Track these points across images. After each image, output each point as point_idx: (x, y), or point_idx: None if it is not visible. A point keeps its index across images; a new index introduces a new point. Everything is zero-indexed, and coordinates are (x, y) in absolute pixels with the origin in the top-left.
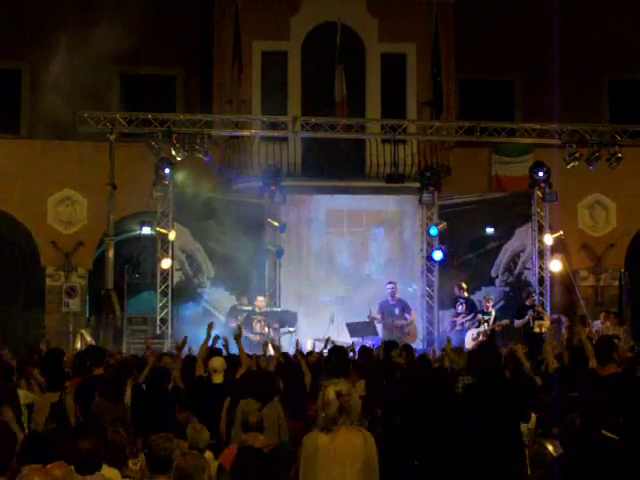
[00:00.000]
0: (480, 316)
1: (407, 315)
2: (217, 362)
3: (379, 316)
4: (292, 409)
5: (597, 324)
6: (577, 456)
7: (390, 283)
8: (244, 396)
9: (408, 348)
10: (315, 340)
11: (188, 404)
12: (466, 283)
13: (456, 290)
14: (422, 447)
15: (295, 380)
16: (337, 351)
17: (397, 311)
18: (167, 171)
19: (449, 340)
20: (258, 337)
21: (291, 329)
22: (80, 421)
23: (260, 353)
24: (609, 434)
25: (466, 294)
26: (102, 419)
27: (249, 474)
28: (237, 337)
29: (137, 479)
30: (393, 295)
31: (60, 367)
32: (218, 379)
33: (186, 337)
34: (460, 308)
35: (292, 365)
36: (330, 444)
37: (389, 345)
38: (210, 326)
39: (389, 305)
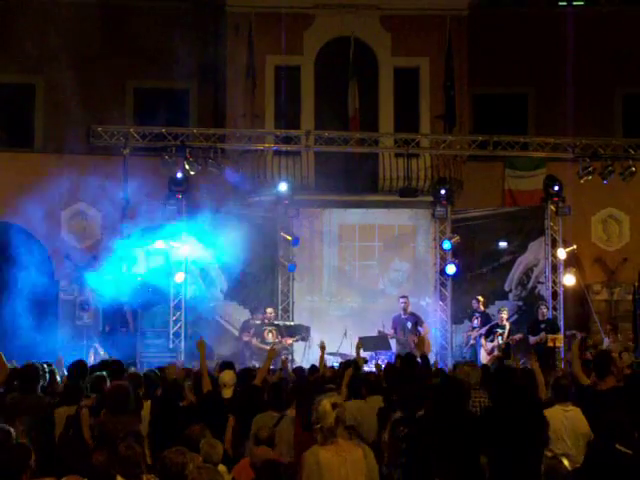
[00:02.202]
0: (496, 330)
1: (420, 328)
2: (227, 376)
3: (392, 332)
4: (303, 419)
5: (607, 340)
6: (591, 470)
7: (402, 297)
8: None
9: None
10: (328, 354)
11: (199, 419)
12: (482, 297)
13: (474, 303)
14: (443, 464)
15: (306, 391)
16: (349, 366)
17: (409, 325)
18: (181, 185)
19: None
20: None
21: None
22: (95, 435)
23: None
24: (623, 448)
25: (482, 308)
26: (113, 433)
27: None
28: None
29: None
30: (405, 309)
31: (83, 380)
32: (227, 393)
33: (202, 337)
34: (476, 322)
35: (303, 377)
36: (332, 458)
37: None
38: (200, 342)
39: (401, 319)
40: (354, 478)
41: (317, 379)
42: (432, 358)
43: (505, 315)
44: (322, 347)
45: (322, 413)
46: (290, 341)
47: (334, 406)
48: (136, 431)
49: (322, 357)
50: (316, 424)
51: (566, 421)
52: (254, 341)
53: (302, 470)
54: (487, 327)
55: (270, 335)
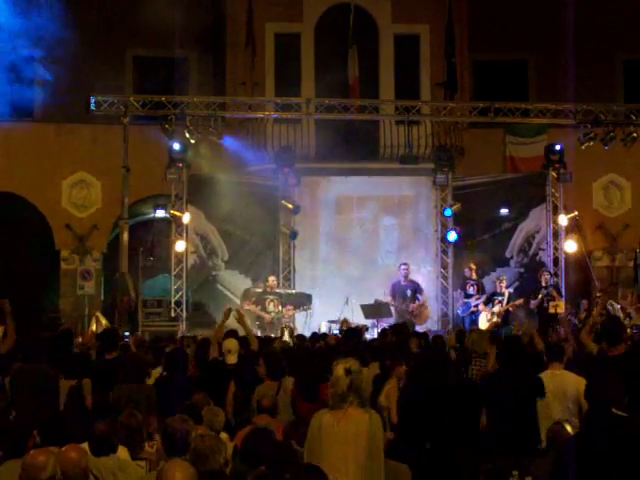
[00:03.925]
0: (495, 297)
1: (419, 296)
2: (231, 343)
3: (389, 299)
4: (305, 391)
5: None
6: (589, 435)
7: (403, 264)
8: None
9: (424, 336)
10: (330, 322)
11: (203, 386)
12: (477, 265)
13: (466, 272)
14: (435, 430)
15: (307, 362)
16: (352, 333)
17: (409, 292)
18: (181, 153)
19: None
20: (271, 316)
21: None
22: (97, 404)
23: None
24: (620, 412)
25: (475, 276)
26: (123, 401)
27: (258, 455)
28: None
29: (153, 461)
30: (406, 276)
31: (71, 350)
32: (232, 360)
33: (229, 308)
34: (471, 290)
35: (304, 346)
36: (336, 423)
37: (399, 327)
38: (228, 311)
39: (401, 286)
40: (355, 442)
41: (320, 348)
42: (430, 327)
43: (504, 283)
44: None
45: (335, 378)
46: (291, 312)
47: (347, 372)
48: (148, 399)
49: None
50: (330, 387)
51: (552, 384)
52: (254, 309)
53: (308, 432)
54: (486, 295)
55: (272, 304)
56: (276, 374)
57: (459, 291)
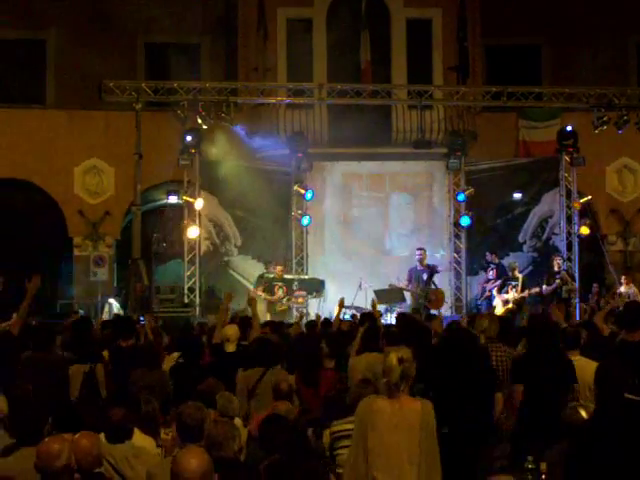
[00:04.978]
0: (509, 283)
1: (435, 281)
2: (230, 330)
3: (406, 283)
4: (307, 377)
5: (623, 289)
6: (602, 420)
7: (419, 249)
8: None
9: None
10: (344, 307)
11: (214, 373)
12: (494, 249)
13: (488, 256)
14: (452, 415)
15: (310, 347)
16: (369, 318)
17: (425, 276)
18: (194, 139)
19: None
20: (275, 298)
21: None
22: (111, 390)
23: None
24: (632, 396)
25: (496, 259)
26: (138, 388)
27: (275, 441)
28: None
29: (169, 447)
30: (422, 261)
31: (89, 337)
32: (231, 348)
33: (229, 293)
34: (491, 274)
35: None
36: (387, 407)
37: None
38: (228, 295)
39: (417, 271)
40: (407, 429)
41: (330, 334)
42: (443, 312)
43: (517, 269)
44: (341, 304)
45: (388, 367)
46: (302, 299)
47: (400, 361)
48: (162, 385)
49: (338, 314)
50: (383, 377)
51: None
52: (260, 292)
53: (356, 417)
54: (500, 281)
55: (280, 291)
56: (262, 361)
57: (484, 275)
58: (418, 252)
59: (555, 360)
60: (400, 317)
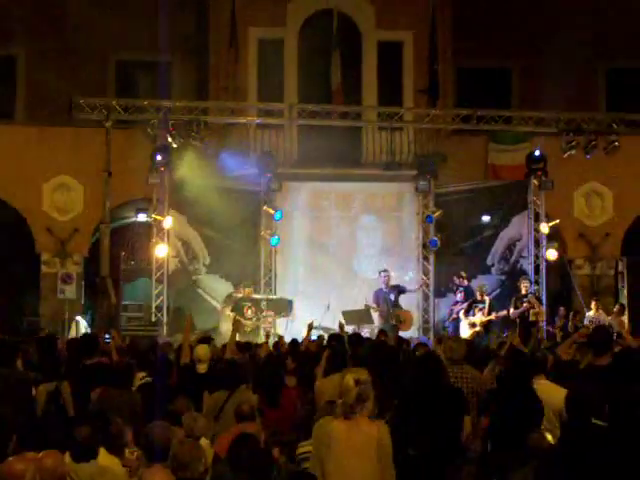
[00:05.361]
0: (476, 305)
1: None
2: (201, 350)
3: (374, 306)
4: (269, 398)
5: (592, 313)
6: (568, 445)
7: (384, 271)
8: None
9: (407, 343)
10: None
11: (181, 393)
12: (463, 271)
13: (455, 279)
14: (418, 436)
15: (273, 368)
16: (336, 340)
17: (392, 297)
18: (163, 158)
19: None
20: (249, 322)
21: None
22: (77, 409)
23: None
24: (599, 422)
25: (466, 282)
26: (107, 407)
27: (244, 461)
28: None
29: (133, 468)
30: (387, 283)
31: (54, 354)
32: (202, 369)
33: (190, 315)
34: (459, 296)
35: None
36: (343, 430)
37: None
38: (189, 318)
39: (383, 292)
40: (363, 452)
41: (297, 351)
42: (411, 334)
43: (485, 291)
44: (310, 327)
45: (344, 388)
46: (270, 319)
47: (357, 382)
48: (132, 405)
49: (307, 336)
50: (339, 398)
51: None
52: (229, 312)
53: (314, 439)
54: (467, 303)
55: (250, 311)
56: (229, 383)
57: (452, 297)
58: (383, 274)
59: (524, 399)
60: (354, 337)
